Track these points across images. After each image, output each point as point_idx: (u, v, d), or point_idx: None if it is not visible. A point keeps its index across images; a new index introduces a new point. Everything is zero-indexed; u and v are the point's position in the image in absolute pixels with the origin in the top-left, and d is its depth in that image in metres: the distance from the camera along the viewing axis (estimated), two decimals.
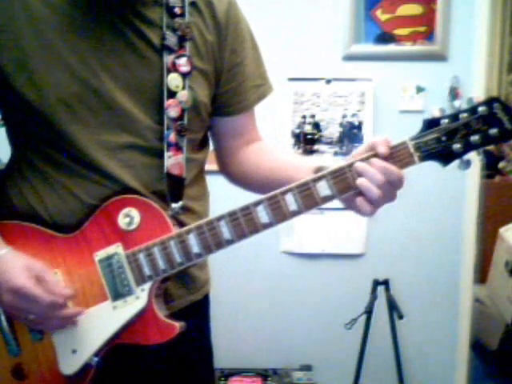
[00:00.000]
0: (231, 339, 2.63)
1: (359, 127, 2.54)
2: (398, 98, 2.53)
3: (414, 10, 2.50)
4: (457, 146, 0.96)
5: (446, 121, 0.97)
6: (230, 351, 2.62)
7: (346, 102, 2.53)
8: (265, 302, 2.67)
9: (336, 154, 2.54)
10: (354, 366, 2.45)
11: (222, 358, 2.64)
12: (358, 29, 2.50)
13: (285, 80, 2.51)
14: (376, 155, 0.98)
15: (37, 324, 1.05)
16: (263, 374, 2.60)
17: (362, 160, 0.99)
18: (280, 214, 1.00)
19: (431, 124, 0.98)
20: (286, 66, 2.51)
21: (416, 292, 2.62)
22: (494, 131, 0.95)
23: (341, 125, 2.54)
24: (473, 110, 0.96)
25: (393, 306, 2.39)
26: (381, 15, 2.51)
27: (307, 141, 2.56)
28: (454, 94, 2.41)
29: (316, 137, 2.56)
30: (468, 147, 0.96)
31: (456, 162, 0.99)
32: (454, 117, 0.97)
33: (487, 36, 2.51)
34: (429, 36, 2.51)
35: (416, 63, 2.52)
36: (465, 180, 2.56)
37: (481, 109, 0.96)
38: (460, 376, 2.69)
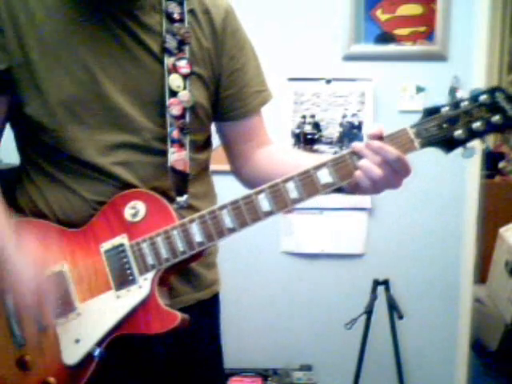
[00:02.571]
0: (231, 339, 2.63)
1: (359, 127, 2.54)
2: (398, 97, 2.53)
3: (414, 10, 2.51)
4: (458, 133, 0.96)
5: (447, 108, 0.97)
6: (229, 351, 2.61)
7: (346, 102, 2.53)
8: (265, 301, 2.67)
9: (336, 153, 2.54)
10: (354, 366, 2.45)
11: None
12: (358, 29, 2.50)
13: (285, 80, 2.51)
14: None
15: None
16: (263, 374, 2.60)
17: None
18: (281, 202, 1.02)
19: (432, 112, 0.98)
20: (286, 65, 2.51)
21: (416, 292, 2.63)
22: (496, 118, 0.95)
23: (341, 125, 2.54)
24: (474, 98, 0.96)
25: (393, 306, 2.39)
26: (381, 15, 2.51)
27: (307, 141, 2.56)
28: (453, 94, 2.41)
29: (316, 137, 2.56)
30: (471, 134, 0.96)
31: (459, 151, 0.98)
32: (455, 105, 0.97)
33: (487, 36, 2.51)
34: (429, 36, 2.51)
35: (416, 63, 2.52)
36: (465, 180, 2.56)
37: (482, 97, 0.96)
38: (460, 376, 2.69)
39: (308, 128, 2.56)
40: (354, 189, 1.04)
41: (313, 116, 2.55)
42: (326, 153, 2.55)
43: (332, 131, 2.55)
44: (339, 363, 2.63)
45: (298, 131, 2.56)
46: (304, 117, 2.55)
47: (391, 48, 2.53)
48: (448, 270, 2.62)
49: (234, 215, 1.03)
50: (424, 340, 2.67)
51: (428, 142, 0.98)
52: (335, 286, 2.65)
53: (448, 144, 0.98)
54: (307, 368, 2.64)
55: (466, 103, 0.96)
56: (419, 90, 2.50)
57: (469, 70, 2.49)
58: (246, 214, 1.03)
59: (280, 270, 2.65)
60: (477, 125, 0.96)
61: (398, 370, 2.47)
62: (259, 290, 2.66)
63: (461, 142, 0.97)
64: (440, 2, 2.48)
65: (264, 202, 1.02)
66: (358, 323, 2.36)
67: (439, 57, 2.51)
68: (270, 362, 2.65)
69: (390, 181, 1.00)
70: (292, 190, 1.02)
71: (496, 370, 3.10)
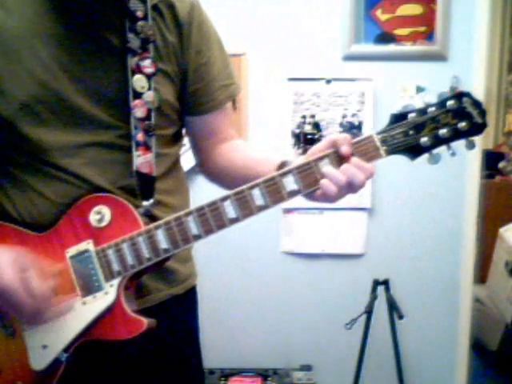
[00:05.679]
0: (231, 339, 2.63)
1: (359, 127, 2.54)
2: (398, 98, 2.52)
3: (414, 9, 2.50)
4: (424, 140, 0.96)
5: (414, 115, 0.96)
6: (230, 351, 2.62)
7: (346, 101, 2.53)
8: (265, 302, 2.66)
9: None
10: (353, 366, 2.45)
11: (222, 358, 2.63)
12: (357, 29, 2.50)
13: (285, 80, 2.51)
14: (336, 153, 0.99)
15: (24, 317, 1.06)
16: (263, 374, 2.60)
17: (321, 158, 0.99)
18: (247, 209, 1.01)
19: (398, 118, 0.97)
20: (286, 66, 2.51)
21: (416, 292, 2.62)
22: (462, 125, 0.94)
23: (341, 125, 2.54)
24: (441, 103, 0.95)
25: (393, 306, 2.38)
26: (381, 15, 2.51)
27: (307, 141, 2.56)
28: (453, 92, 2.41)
29: (316, 137, 2.55)
30: (437, 141, 0.95)
31: (425, 157, 0.97)
32: (422, 111, 0.96)
33: (487, 36, 2.51)
34: (429, 36, 2.51)
35: (416, 63, 2.52)
36: (465, 180, 2.56)
37: (449, 103, 0.95)
38: (460, 376, 2.69)
39: (308, 128, 2.55)
40: (316, 196, 1.02)
41: (313, 116, 2.55)
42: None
43: (332, 131, 2.54)
44: (339, 363, 2.63)
45: (297, 131, 2.56)
46: (304, 117, 2.55)
47: (391, 48, 2.52)
48: (448, 270, 2.62)
49: (199, 222, 1.02)
50: (424, 340, 2.67)
51: (394, 150, 0.97)
52: (335, 286, 2.64)
53: (414, 151, 0.97)
54: (307, 368, 2.64)
55: (433, 109, 0.95)
56: (419, 90, 2.50)
57: (469, 70, 2.49)
58: (212, 220, 1.02)
59: (280, 270, 2.64)
60: (443, 132, 0.95)
61: (397, 369, 2.47)
62: (259, 290, 2.65)
63: (426, 149, 0.96)
64: (440, 2, 2.48)
65: (229, 209, 1.01)
66: (357, 323, 2.36)
67: (439, 57, 2.50)
68: (269, 362, 2.65)
69: (352, 186, 0.99)
70: (258, 197, 1.00)
71: (496, 370, 3.10)
